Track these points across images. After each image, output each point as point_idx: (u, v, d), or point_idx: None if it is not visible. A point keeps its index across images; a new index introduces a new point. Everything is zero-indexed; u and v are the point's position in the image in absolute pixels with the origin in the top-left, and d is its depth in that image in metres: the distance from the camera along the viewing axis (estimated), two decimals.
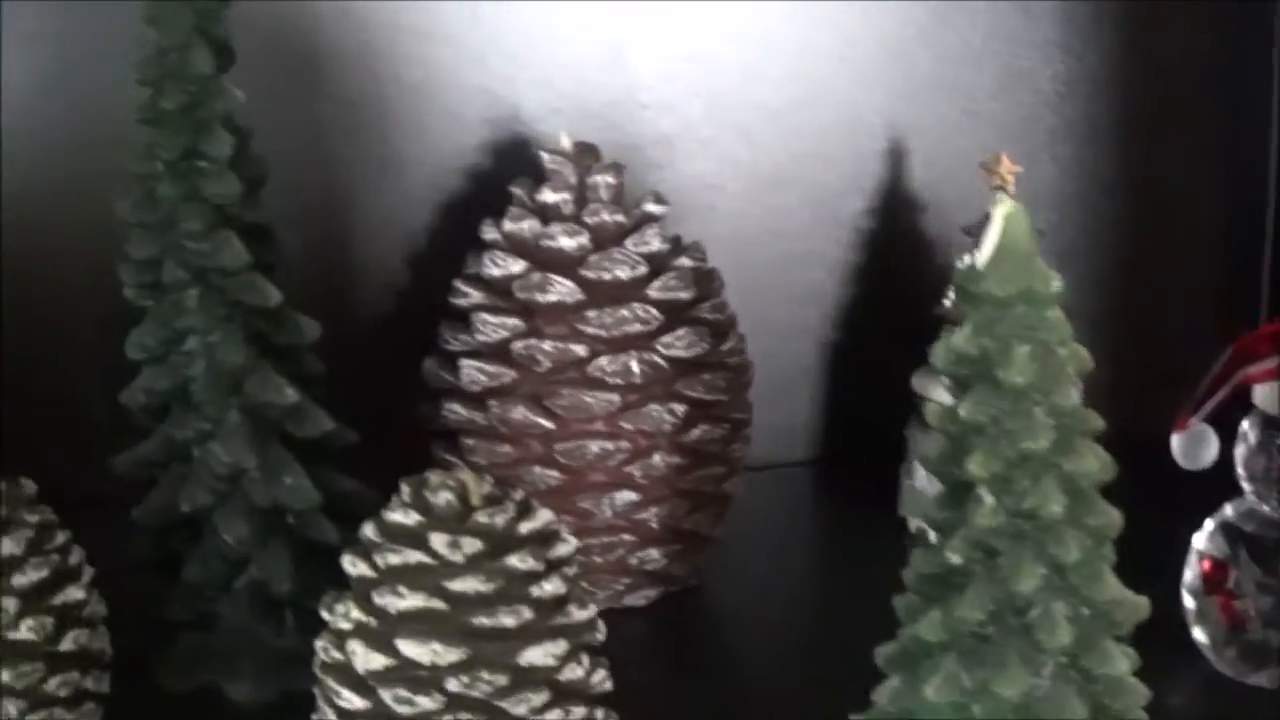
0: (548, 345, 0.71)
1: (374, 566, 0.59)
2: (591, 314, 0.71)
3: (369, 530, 0.60)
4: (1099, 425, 0.53)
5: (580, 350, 0.71)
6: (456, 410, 0.73)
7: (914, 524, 0.81)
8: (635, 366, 0.71)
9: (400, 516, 0.59)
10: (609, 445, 0.71)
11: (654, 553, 0.74)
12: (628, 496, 0.72)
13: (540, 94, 0.82)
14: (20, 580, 0.64)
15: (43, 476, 0.64)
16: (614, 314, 0.71)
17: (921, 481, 0.81)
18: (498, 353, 0.72)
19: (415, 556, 0.58)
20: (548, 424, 0.71)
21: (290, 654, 0.69)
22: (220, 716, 0.70)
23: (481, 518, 0.59)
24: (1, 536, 0.63)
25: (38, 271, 0.84)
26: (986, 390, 0.53)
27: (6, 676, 0.63)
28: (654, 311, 0.72)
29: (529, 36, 0.82)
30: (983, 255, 0.53)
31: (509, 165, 0.82)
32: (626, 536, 0.73)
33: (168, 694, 0.70)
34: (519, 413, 0.71)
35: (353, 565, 0.60)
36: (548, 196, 0.73)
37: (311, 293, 0.72)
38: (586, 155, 0.74)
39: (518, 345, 0.72)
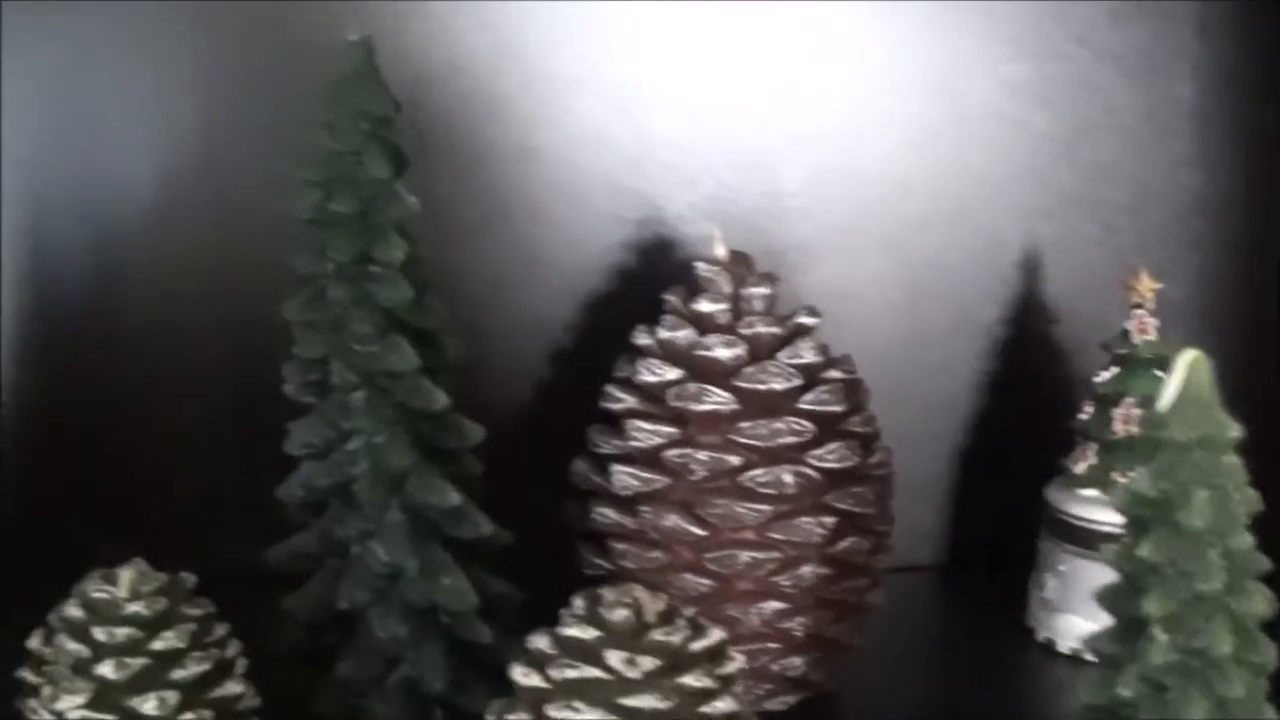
0: (702, 455, 0.71)
1: (548, 679, 0.60)
2: (745, 425, 0.71)
3: (542, 642, 0.60)
4: (1266, 566, 0.54)
5: (734, 460, 0.71)
6: (606, 514, 0.73)
7: (1042, 634, 0.82)
8: (788, 478, 0.71)
9: (576, 631, 0.59)
10: (759, 555, 0.71)
11: (796, 660, 0.73)
12: (775, 606, 0.72)
13: (687, 196, 0.83)
14: (181, 674, 0.65)
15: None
16: (768, 425, 0.71)
17: (1051, 593, 0.82)
18: (650, 459, 0.72)
19: (592, 672, 0.59)
20: (699, 531, 0.71)
21: None
22: None
23: (658, 635, 0.59)
24: (165, 630, 0.65)
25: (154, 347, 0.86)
26: (1165, 532, 0.54)
27: None
28: (807, 424, 0.72)
29: (679, 140, 0.83)
30: (1165, 400, 0.54)
31: (654, 265, 0.83)
32: (771, 645, 0.73)
33: None
34: (671, 520, 0.71)
35: (525, 676, 0.60)
36: (704, 306, 0.73)
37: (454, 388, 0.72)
38: (741, 264, 0.75)
39: (671, 453, 0.72)
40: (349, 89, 0.67)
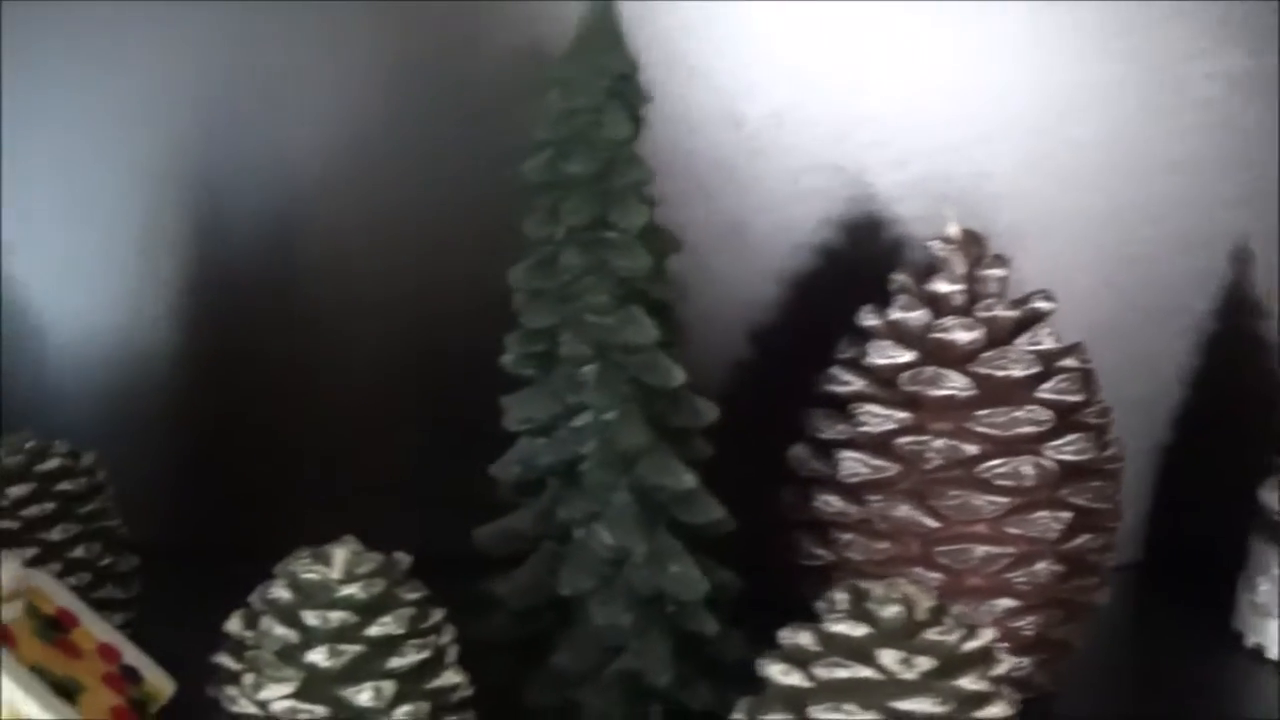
0: (938, 443, 0.65)
1: (811, 678, 0.53)
2: (982, 412, 0.65)
3: (803, 638, 0.54)
4: None
5: (971, 449, 0.65)
6: (830, 501, 0.67)
7: (1251, 640, 0.75)
8: (1027, 470, 0.65)
9: (844, 627, 0.53)
10: (993, 550, 0.65)
11: (1023, 661, 0.67)
12: (1006, 604, 0.66)
13: (895, 175, 0.77)
14: (398, 663, 0.59)
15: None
16: (1006, 414, 0.65)
17: (1264, 597, 0.74)
18: (880, 445, 0.66)
19: (863, 671, 0.52)
20: (931, 523, 0.65)
21: None
22: None
23: (931, 634, 0.53)
24: (382, 615, 0.58)
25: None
26: None
27: None
28: (1046, 413, 0.66)
29: (888, 118, 0.77)
30: None
31: (861, 244, 0.77)
32: (999, 644, 0.66)
33: None
34: (902, 510, 0.65)
35: (784, 674, 0.54)
36: (940, 287, 0.67)
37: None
38: (974, 244, 0.68)
39: (903, 440, 0.66)
40: (589, 45, 0.61)
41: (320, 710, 0.58)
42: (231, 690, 0.59)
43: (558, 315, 0.62)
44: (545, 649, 0.64)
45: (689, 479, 0.62)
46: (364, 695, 0.58)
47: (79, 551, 0.69)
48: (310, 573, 0.59)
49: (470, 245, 0.77)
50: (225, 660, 0.60)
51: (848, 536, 0.67)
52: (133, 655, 0.60)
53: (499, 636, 0.65)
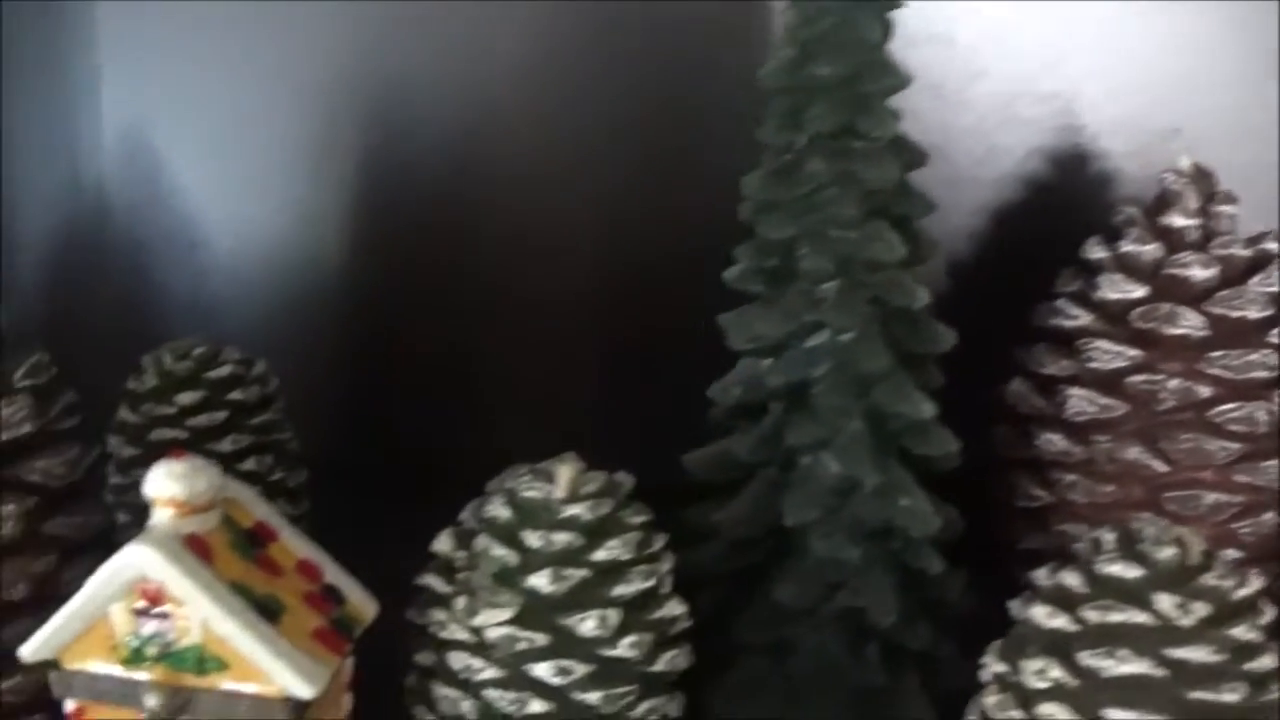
0: (1172, 383, 0.59)
1: (1079, 621, 0.48)
2: (1217, 354, 0.60)
3: (1070, 580, 0.48)
4: None
5: (1205, 391, 0.60)
6: (1054, 440, 0.62)
7: None
8: (1262, 415, 0.60)
9: (1118, 570, 0.48)
10: (1222, 498, 0.60)
11: None
12: (1231, 554, 0.60)
13: (1108, 108, 0.70)
14: (623, 590, 0.53)
15: None
16: (1240, 356, 0.60)
17: None
18: (1109, 383, 0.61)
19: (1138, 617, 0.47)
20: (1161, 467, 0.60)
21: (870, 693, 0.58)
22: None
23: (1207, 579, 0.48)
24: (608, 538, 0.53)
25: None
26: None
27: (596, 698, 0.53)
28: (1275, 357, 0.60)
29: (1103, 47, 0.70)
30: None
31: (1069, 176, 0.70)
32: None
33: None
34: (1132, 452, 0.60)
35: (1049, 617, 0.48)
36: (1175, 221, 0.62)
37: None
38: (1205, 179, 0.62)
39: (1135, 378, 0.60)
40: None
41: (540, 639, 0.52)
42: (439, 614, 0.54)
43: (796, 227, 0.56)
44: (759, 582, 0.59)
45: (927, 408, 0.56)
46: (588, 624, 0.52)
47: (249, 464, 0.63)
48: (531, 490, 0.54)
49: (663, 163, 0.71)
50: (432, 582, 0.55)
51: (1070, 478, 0.61)
52: (334, 573, 0.54)
53: (712, 568, 0.59)
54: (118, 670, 0.50)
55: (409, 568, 0.56)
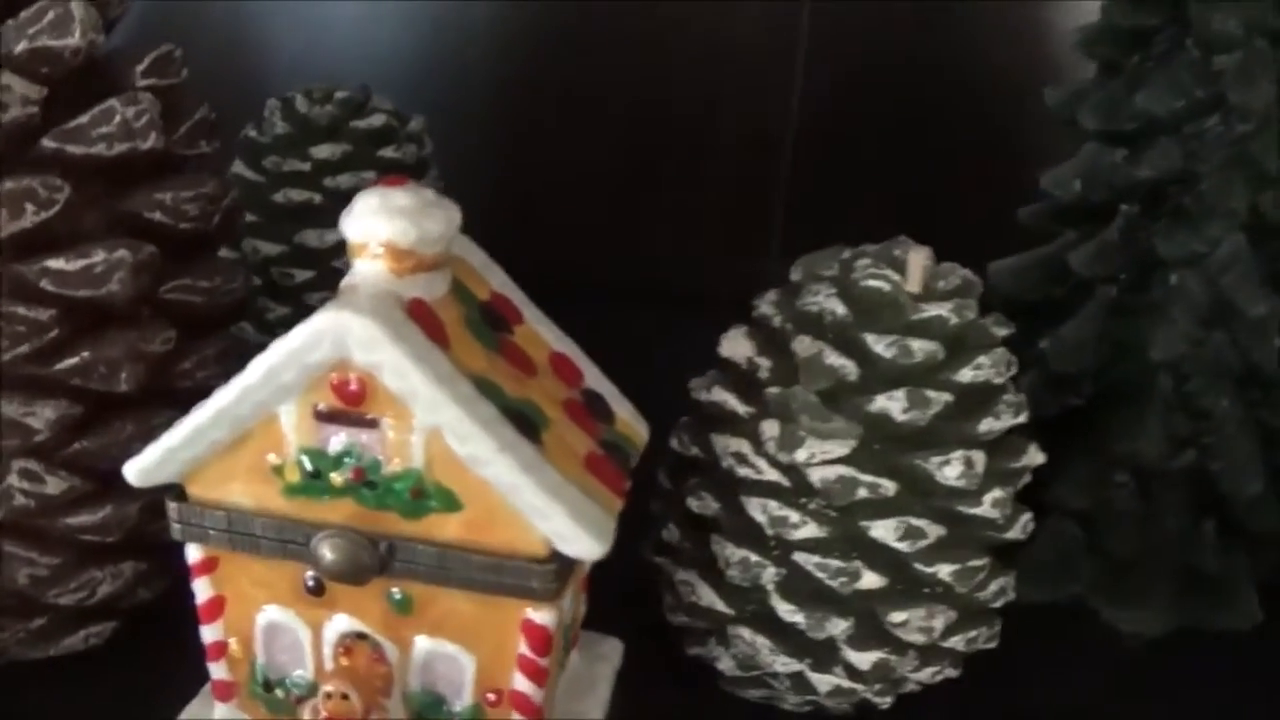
0: None
1: None
2: None
3: None
4: None
5: None
6: None
7: None
8: None
9: None
10: None
11: None
12: None
13: None
14: (991, 425, 0.32)
15: None
16: None
17: None
18: None
19: None
20: None
21: (1196, 579, 0.39)
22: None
23: None
24: (978, 354, 0.33)
25: None
26: None
27: (946, 573, 0.32)
28: None
29: None
30: None
31: None
32: None
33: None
34: None
35: None
36: None
37: None
38: None
39: None
40: None
41: (887, 485, 0.33)
42: (733, 443, 0.34)
43: None
44: (1080, 432, 0.40)
45: None
46: (951, 468, 0.33)
47: None
48: (874, 279, 0.34)
49: None
50: (724, 397, 0.35)
51: None
52: (596, 377, 0.34)
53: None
54: (278, 503, 0.30)
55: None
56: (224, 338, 0.35)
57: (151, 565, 0.35)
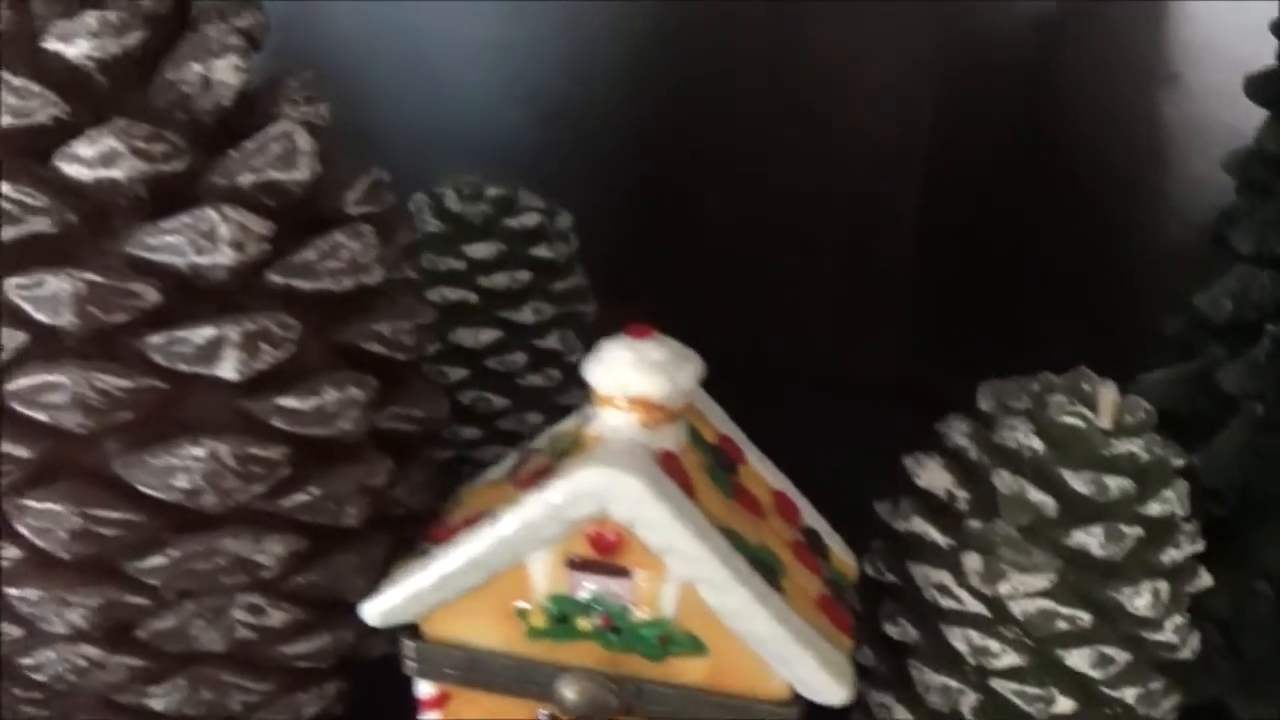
0: None
1: None
2: None
3: None
4: None
5: None
6: None
7: None
8: None
9: None
10: None
11: None
12: None
13: None
14: (1173, 555, 0.33)
15: None
16: None
17: None
18: None
19: None
20: None
21: None
22: None
23: None
24: (1163, 486, 0.34)
25: None
26: None
27: (1131, 695, 0.33)
28: None
29: None
30: None
31: None
32: None
33: None
34: None
35: None
36: None
37: None
38: None
39: None
40: None
41: (1084, 617, 0.34)
42: (935, 574, 0.35)
43: None
44: (1221, 542, 0.41)
45: None
46: (1141, 599, 0.34)
47: (550, 341, 0.43)
48: (1069, 416, 0.35)
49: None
50: (926, 529, 0.35)
51: None
52: (811, 513, 0.35)
53: None
54: (520, 645, 0.30)
55: None
56: (428, 463, 0.35)
57: (351, 682, 0.35)
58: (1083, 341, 0.47)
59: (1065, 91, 0.52)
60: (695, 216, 0.55)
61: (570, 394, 0.44)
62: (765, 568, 0.30)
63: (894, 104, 0.53)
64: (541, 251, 0.43)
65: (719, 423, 0.33)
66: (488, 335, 0.42)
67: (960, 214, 0.52)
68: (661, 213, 0.55)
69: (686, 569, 0.29)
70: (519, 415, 0.43)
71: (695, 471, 0.31)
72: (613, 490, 0.29)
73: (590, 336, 0.45)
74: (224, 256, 0.30)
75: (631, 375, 0.30)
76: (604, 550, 0.30)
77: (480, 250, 0.42)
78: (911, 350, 0.52)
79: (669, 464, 0.30)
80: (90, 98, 0.31)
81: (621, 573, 0.29)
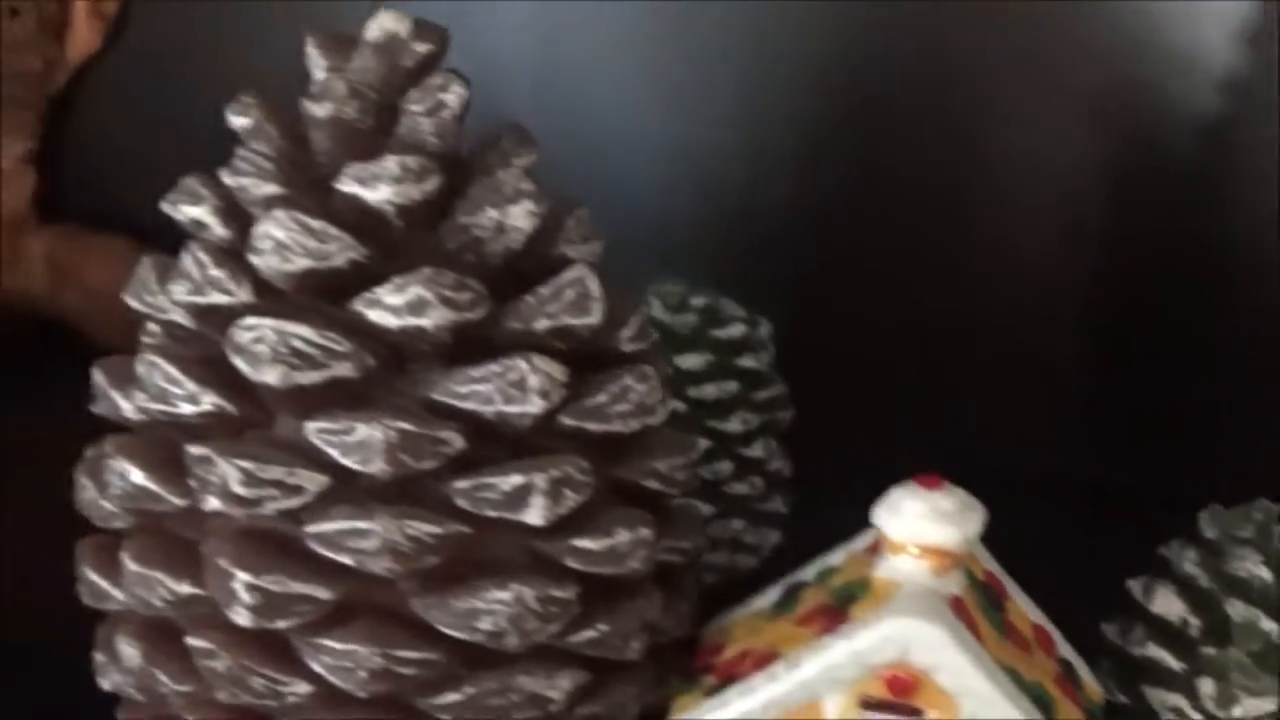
0: None
1: None
2: None
3: None
4: None
5: None
6: None
7: None
8: None
9: None
10: None
11: None
12: None
13: None
14: None
15: None
16: None
17: None
18: None
19: None
20: None
21: None
22: None
23: None
24: None
25: None
26: None
27: None
28: None
29: None
30: None
31: None
32: None
33: None
34: None
35: None
36: None
37: None
38: None
39: None
40: None
41: None
42: (1169, 697, 0.36)
43: None
44: None
45: None
46: None
47: (756, 450, 0.44)
48: None
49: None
50: (1163, 655, 0.37)
51: None
52: (1061, 642, 0.36)
53: None
54: None
55: None
56: (691, 591, 0.35)
57: None
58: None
59: None
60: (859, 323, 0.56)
61: (770, 501, 0.45)
62: (1041, 704, 0.32)
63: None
64: (747, 362, 0.44)
65: (984, 559, 0.35)
66: (699, 445, 0.41)
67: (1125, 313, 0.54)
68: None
69: (979, 709, 0.30)
70: (724, 522, 0.43)
71: (976, 613, 0.32)
72: (916, 638, 0.30)
73: (787, 442, 0.47)
74: (533, 406, 0.31)
75: (925, 526, 0.31)
76: (899, 691, 0.31)
77: (689, 361, 0.43)
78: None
79: (958, 608, 0.31)
80: (385, 241, 0.32)
81: (915, 713, 0.31)
